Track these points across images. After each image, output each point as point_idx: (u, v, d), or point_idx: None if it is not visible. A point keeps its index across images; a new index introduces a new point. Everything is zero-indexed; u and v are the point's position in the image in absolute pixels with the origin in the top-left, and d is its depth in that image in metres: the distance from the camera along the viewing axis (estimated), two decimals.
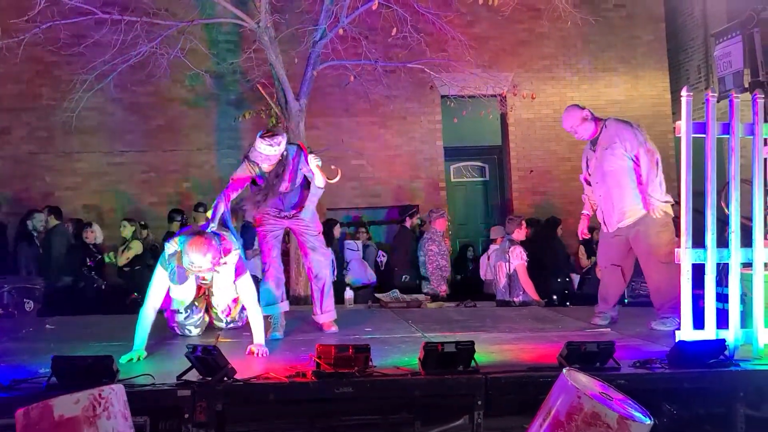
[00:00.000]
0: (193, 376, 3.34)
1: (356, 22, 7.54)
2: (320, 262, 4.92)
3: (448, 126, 9.61)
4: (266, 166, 4.50)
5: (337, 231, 8.06)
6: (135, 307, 7.43)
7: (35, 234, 7.65)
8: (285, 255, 7.87)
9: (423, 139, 9.73)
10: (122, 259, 7.73)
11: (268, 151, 4.40)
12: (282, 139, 4.43)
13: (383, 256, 8.48)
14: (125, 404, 2.68)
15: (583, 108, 5.06)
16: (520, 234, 6.64)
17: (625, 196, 4.82)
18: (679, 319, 4.61)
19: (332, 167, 4.74)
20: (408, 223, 8.12)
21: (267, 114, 8.26)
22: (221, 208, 4.41)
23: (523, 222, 6.78)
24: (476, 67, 7.82)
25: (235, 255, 4.29)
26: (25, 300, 6.89)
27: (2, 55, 6.84)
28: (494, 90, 8.44)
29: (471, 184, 10.44)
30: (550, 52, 10.04)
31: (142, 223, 8.27)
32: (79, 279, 7.53)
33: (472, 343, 3.50)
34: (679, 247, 4.69)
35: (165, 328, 4.79)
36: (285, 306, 4.88)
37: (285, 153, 4.53)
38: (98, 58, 7.38)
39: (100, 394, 2.56)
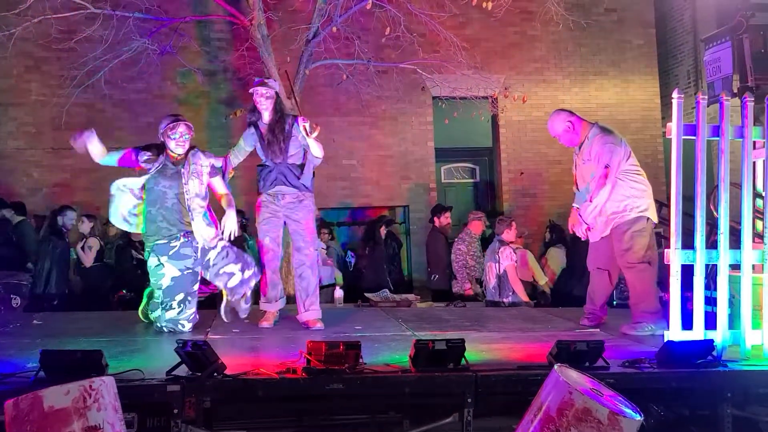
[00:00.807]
0: (183, 372, 3.32)
1: (349, 22, 7.56)
2: (303, 262, 4.99)
3: (439, 127, 9.64)
4: (265, 106, 4.88)
5: (382, 231, 8.08)
6: (122, 304, 7.45)
7: (65, 231, 7.56)
8: None
9: (414, 140, 9.75)
10: (88, 260, 7.60)
11: (263, 88, 4.87)
12: (275, 81, 5.02)
13: (353, 257, 8.52)
14: (116, 396, 2.67)
15: (569, 116, 4.93)
16: (509, 235, 6.67)
17: (603, 210, 4.83)
18: (653, 324, 4.66)
19: (313, 124, 4.87)
20: (437, 223, 8.03)
21: None
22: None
23: (513, 223, 6.81)
24: (468, 68, 7.85)
25: (219, 161, 4.91)
26: (11, 296, 6.84)
27: None
28: (485, 92, 8.49)
29: (461, 185, 10.47)
30: (541, 55, 10.09)
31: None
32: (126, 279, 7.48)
33: (463, 341, 3.51)
34: (653, 252, 4.75)
35: (153, 324, 4.77)
36: (280, 304, 5.06)
37: (285, 116, 4.93)
38: (89, 54, 7.35)
39: (90, 386, 2.54)
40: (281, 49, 7.86)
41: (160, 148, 4.78)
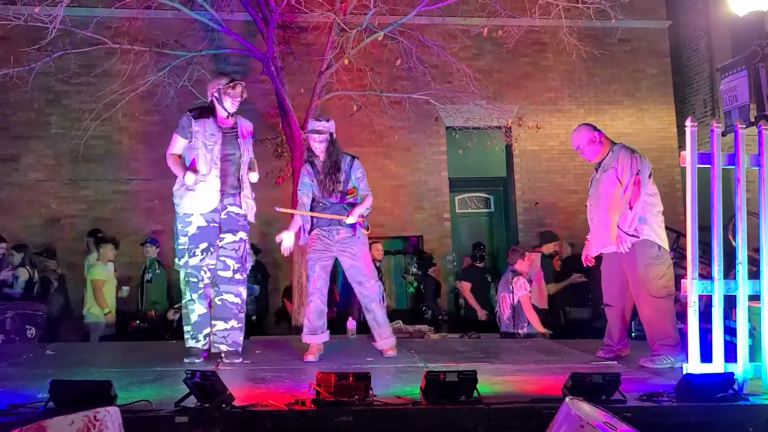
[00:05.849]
0: (192, 403, 3.29)
1: (362, 54, 7.63)
2: (366, 296, 5.02)
3: (453, 157, 9.63)
4: (319, 149, 4.99)
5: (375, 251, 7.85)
6: (137, 334, 7.44)
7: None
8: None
9: (428, 170, 9.74)
10: (17, 289, 7.52)
11: (315, 135, 5.00)
12: (328, 121, 5.12)
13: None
14: (120, 427, 2.64)
15: (595, 130, 4.97)
16: (523, 265, 6.59)
17: (612, 223, 4.77)
18: (672, 357, 4.55)
19: (363, 230, 5.04)
20: (545, 249, 7.90)
21: (273, 143, 8.32)
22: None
23: (527, 253, 6.73)
24: (481, 98, 7.86)
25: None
26: (27, 326, 6.86)
27: (13, 84, 6.94)
28: (499, 122, 8.48)
29: (476, 215, 10.41)
30: (555, 85, 10.10)
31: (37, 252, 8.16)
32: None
33: (475, 372, 3.45)
34: (670, 281, 4.66)
35: (165, 355, 4.75)
36: (325, 337, 5.00)
37: (340, 156, 5.03)
38: (107, 87, 7.47)
39: (95, 416, 2.52)
40: (295, 81, 7.94)
41: (208, 111, 4.83)
